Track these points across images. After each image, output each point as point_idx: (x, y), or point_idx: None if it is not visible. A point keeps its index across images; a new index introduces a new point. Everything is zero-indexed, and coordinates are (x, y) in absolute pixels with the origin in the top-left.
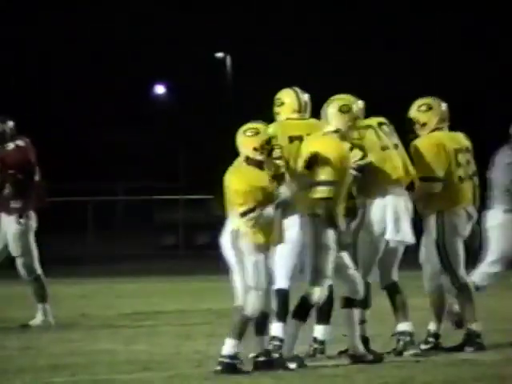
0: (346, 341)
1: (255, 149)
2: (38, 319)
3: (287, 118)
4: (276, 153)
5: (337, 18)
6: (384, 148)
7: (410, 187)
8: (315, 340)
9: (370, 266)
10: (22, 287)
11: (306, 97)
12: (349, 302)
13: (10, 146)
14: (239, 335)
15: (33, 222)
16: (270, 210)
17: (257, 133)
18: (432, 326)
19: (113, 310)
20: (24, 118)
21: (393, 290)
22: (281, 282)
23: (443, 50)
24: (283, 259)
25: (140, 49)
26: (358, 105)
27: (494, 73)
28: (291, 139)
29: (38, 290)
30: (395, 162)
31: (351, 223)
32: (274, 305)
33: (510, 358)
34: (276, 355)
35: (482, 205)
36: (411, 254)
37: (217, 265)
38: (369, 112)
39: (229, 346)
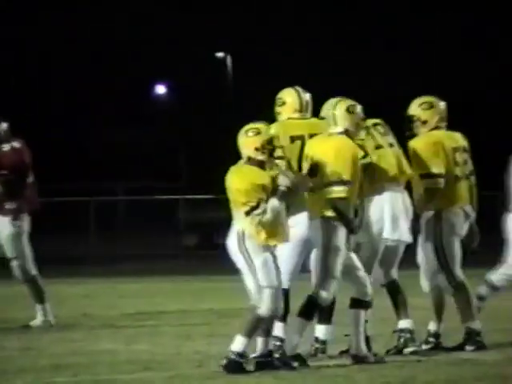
0: (347, 340)
1: (257, 149)
2: (38, 320)
3: (289, 118)
4: (277, 153)
5: (337, 18)
6: (378, 147)
7: (407, 186)
8: (317, 340)
9: (370, 265)
10: (22, 287)
11: (307, 96)
12: (357, 303)
13: (6, 147)
14: (250, 334)
15: (26, 224)
16: (273, 202)
17: (258, 133)
18: (432, 326)
19: (114, 310)
20: (24, 118)
21: (393, 288)
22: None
23: (443, 50)
24: (284, 258)
25: (140, 49)
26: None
27: (494, 73)
28: (293, 139)
29: (35, 291)
30: (390, 160)
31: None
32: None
33: (509, 357)
34: (277, 355)
35: (479, 204)
36: (411, 252)
37: (218, 265)
38: (369, 112)
39: (238, 343)
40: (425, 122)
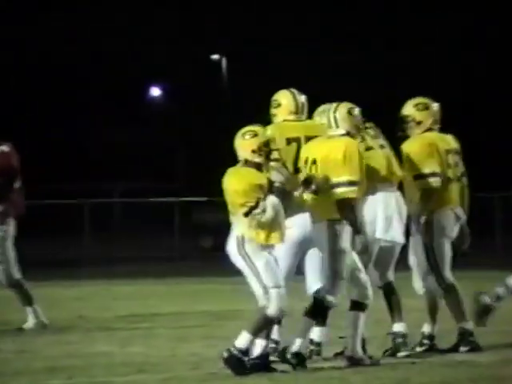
0: (342, 342)
1: (253, 151)
2: (30, 322)
3: (284, 120)
4: (274, 155)
5: (336, 18)
6: (368, 149)
7: (399, 187)
8: (311, 342)
9: (364, 266)
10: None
11: (302, 98)
12: (357, 305)
13: None
14: (256, 332)
15: (12, 229)
16: (272, 199)
17: (255, 135)
18: (426, 328)
19: (109, 313)
20: (24, 118)
21: (388, 290)
22: None
23: (443, 50)
24: (280, 259)
25: (136, 50)
26: None
27: (494, 73)
28: (289, 141)
29: (22, 295)
30: (380, 161)
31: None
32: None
33: (507, 359)
34: (273, 357)
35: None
36: (404, 254)
37: (213, 267)
38: (369, 112)
39: (243, 339)
40: (419, 123)
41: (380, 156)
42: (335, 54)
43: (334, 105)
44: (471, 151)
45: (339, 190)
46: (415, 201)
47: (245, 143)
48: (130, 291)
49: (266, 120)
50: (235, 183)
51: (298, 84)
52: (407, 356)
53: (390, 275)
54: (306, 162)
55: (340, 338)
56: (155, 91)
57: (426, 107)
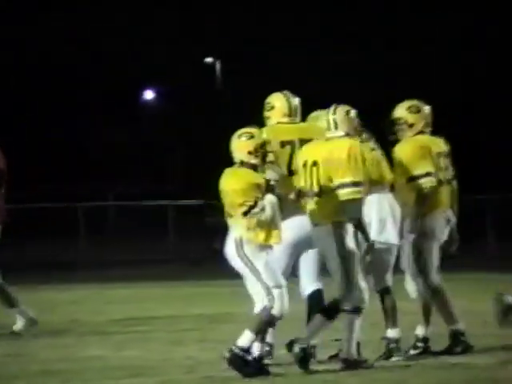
0: (336, 345)
1: (250, 152)
2: (18, 324)
3: (278, 122)
4: (270, 157)
5: (335, 18)
6: None
7: (391, 190)
8: None
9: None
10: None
11: (296, 101)
12: (353, 309)
13: None
14: (259, 332)
15: None
16: (270, 197)
17: (251, 136)
18: (420, 331)
19: (104, 316)
20: (21, 119)
21: (385, 295)
22: None
23: (443, 50)
24: (274, 261)
25: (133, 51)
26: None
27: (494, 72)
28: (283, 144)
29: (4, 298)
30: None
31: None
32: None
33: (502, 362)
34: (268, 361)
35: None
36: (399, 257)
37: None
38: (369, 112)
39: (245, 338)
40: (411, 126)
41: (370, 159)
42: (335, 54)
43: (333, 107)
44: (471, 151)
45: (344, 191)
46: (409, 204)
47: (241, 144)
48: (124, 295)
49: (262, 122)
50: (233, 183)
51: (297, 84)
52: (399, 361)
53: (388, 280)
54: (304, 164)
55: (335, 340)
56: (149, 94)
57: (418, 110)
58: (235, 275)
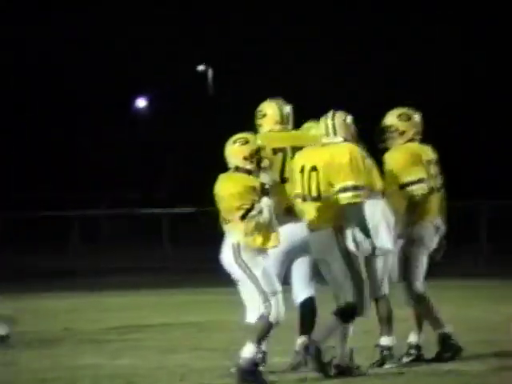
0: (329, 352)
1: (245, 158)
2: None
3: (270, 130)
4: (265, 163)
5: (334, 22)
6: None
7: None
8: (299, 352)
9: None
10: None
11: (287, 108)
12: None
13: None
14: (261, 340)
15: None
16: (266, 200)
17: (246, 142)
18: (412, 338)
19: (97, 324)
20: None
21: (380, 303)
22: None
23: (443, 50)
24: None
25: (123, 60)
26: None
27: (494, 72)
28: (275, 151)
29: None
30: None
31: None
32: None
33: (493, 368)
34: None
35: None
36: None
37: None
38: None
39: (248, 350)
40: (402, 133)
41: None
42: (335, 55)
43: (331, 113)
44: (470, 152)
45: (345, 195)
46: (401, 211)
47: (236, 150)
48: (118, 303)
49: (249, 130)
50: (230, 187)
51: (297, 85)
52: (391, 368)
53: (385, 288)
54: (302, 169)
55: (328, 347)
56: (141, 102)
57: (409, 118)
58: (228, 283)
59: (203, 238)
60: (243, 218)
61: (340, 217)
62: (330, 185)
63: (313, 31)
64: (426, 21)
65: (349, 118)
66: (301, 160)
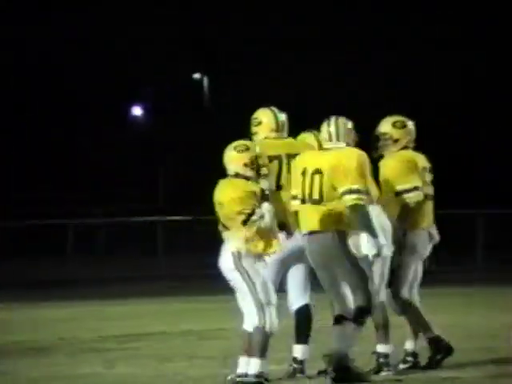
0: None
1: (245, 164)
2: None
3: (265, 138)
4: (264, 171)
5: (331, 25)
6: None
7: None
8: (295, 360)
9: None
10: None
11: (283, 116)
12: (341, 320)
13: None
14: (262, 353)
15: None
16: (266, 205)
17: (247, 148)
18: (409, 345)
19: (95, 333)
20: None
21: (377, 310)
22: None
23: (443, 51)
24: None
25: (118, 71)
26: None
27: (494, 73)
28: (270, 159)
29: None
30: None
31: None
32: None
33: (492, 375)
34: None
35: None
36: None
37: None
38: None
39: (254, 366)
40: (396, 141)
41: None
42: (335, 55)
43: (333, 118)
44: (470, 152)
45: (350, 197)
46: (394, 218)
47: (236, 157)
48: (114, 311)
49: (245, 137)
50: (231, 192)
51: (297, 85)
52: (387, 376)
53: (382, 295)
54: (303, 172)
55: (324, 355)
56: (137, 111)
57: (404, 125)
58: (224, 291)
59: (201, 245)
60: (245, 223)
61: (343, 221)
62: (334, 188)
63: (313, 31)
64: (426, 21)
65: (350, 124)
66: (303, 162)
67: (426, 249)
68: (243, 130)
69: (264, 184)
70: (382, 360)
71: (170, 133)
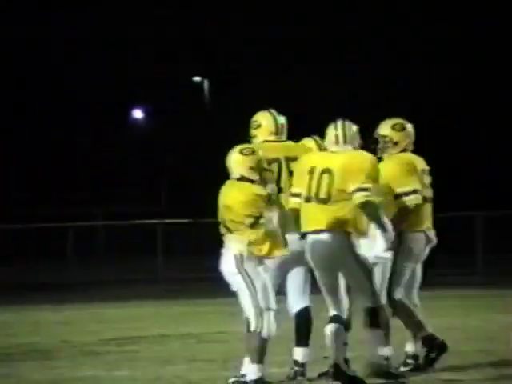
0: (326, 362)
1: (251, 168)
2: None
3: (264, 141)
4: (268, 175)
5: (331, 25)
6: None
7: None
8: (296, 363)
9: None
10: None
11: (282, 119)
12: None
13: None
14: (261, 358)
15: None
16: (273, 209)
17: (253, 152)
18: (409, 348)
19: (95, 336)
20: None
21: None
22: None
23: (443, 52)
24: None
25: (118, 73)
26: None
27: (494, 73)
28: (269, 162)
29: None
30: None
31: None
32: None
33: (491, 378)
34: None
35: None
36: None
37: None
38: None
39: (252, 371)
40: (396, 143)
41: None
42: (335, 55)
43: (340, 122)
44: (470, 152)
45: (362, 194)
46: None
47: (243, 159)
48: (114, 314)
49: (244, 140)
50: (239, 195)
51: (297, 85)
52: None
53: (382, 297)
54: (311, 171)
55: (324, 358)
56: (137, 113)
57: (403, 128)
58: (224, 294)
59: (200, 248)
60: (253, 226)
61: (350, 222)
62: (342, 189)
63: (313, 31)
64: (426, 21)
65: (355, 128)
66: (310, 162)
67: (422, 252)
68: (243, 132)
69: (270, 188)
70: (383, 363)
71: (170, 134)
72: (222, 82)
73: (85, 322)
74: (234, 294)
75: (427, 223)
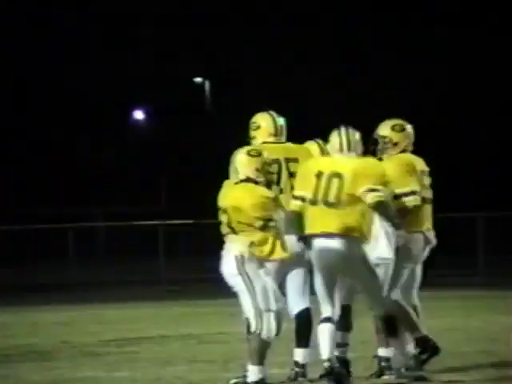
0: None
1: (257, 169)
2: None
3: (264, 142)
4: (272, 177)
5: (331, 25)
6: None
7: None
8: (296, 364)
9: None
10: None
11: (281, 120)
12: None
13: None
14: (261, 360)
15: None
16: (280, 212)
17: (259, 154)
18: (410, 348)
19: (95, 337)
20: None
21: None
22: None
23: (444, 53)
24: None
25: (119, 74)
26: None
27: (494, 73)
28: (269, 163)
29: None
30: None
31: None
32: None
33: (492, 379)
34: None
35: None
36: None
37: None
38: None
39: (253, 373)
40: (395, 144)
41: None
42: (335, 55)
43: (343, 128)
44: (470, 152)
45: (374, 194)
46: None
47: (250, 160)
48: (115, 315)
49: (245, 142)
50: (249, 197)
51: (297, 85)
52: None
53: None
54: (318, 175)
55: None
56: (138, 114)
57: (403, 129)
58: (224, 295)
59: (200, 249)
60: (262, 228)
61: (358, 226)
62: (353, 193)
63: (313, 31)
64: (426, 21)
65: (358, 135)
66: (317, 166)
67: (421, 253)
68: (243, 132)
69: (275, 190)
70: (383, 364)
71: (170, 134)
72: (223, 82)
73: (85, 322)
74: (234, 295)
75: (427, 224)
